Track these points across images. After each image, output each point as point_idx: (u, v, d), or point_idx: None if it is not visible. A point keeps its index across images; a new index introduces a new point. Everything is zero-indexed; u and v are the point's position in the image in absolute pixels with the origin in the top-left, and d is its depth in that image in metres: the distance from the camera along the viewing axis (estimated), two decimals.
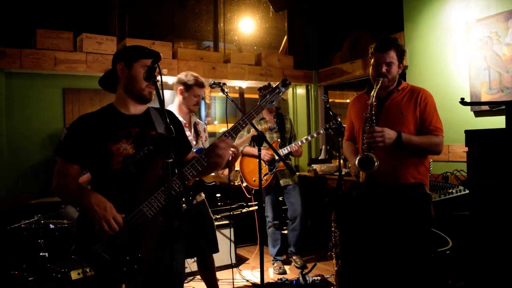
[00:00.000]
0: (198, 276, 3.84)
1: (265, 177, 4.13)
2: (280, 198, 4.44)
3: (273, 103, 1.94)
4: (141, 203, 1.75)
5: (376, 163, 2.29)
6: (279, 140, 4.23)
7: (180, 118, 2.79)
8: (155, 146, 1.84)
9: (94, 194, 1.72)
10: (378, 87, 2.39)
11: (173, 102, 3.08)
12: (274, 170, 4.15)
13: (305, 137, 4.22)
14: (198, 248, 2.99)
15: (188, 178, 1.81)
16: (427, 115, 2.41)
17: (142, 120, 1.90)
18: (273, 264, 4.30)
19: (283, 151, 4.08)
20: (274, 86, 1.96)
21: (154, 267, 1.81)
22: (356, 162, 2.35)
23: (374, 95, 2.36)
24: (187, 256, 3.20)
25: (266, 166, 4.14)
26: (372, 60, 2.49)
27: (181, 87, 2.95)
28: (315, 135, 4.23)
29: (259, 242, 2.81)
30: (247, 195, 4.32)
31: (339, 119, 3.72)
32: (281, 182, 4.24)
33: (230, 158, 2.01)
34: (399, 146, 2.33)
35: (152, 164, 1.80)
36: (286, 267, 4.26)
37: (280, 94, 1.94)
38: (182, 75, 2.99)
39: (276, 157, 4.06)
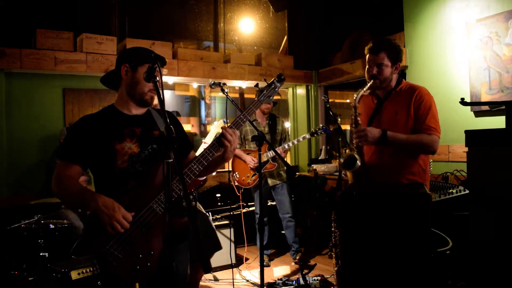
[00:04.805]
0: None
1: (253, 177, 4.20)
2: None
3: (271, 98, 1.99)
4: (151, 200, 1.77)
5: (357, 162, 2.32)
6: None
7: None
8: (158, 145, 1.86)
9: (101, 196, 1.72)
10: (366, 89, 2.42)
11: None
12: (261, 171, 4.16)
13: (290, 142, 4.27)
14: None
15: (195, 173, 1.81)
16: (421, 114, 2.39)
17: (145, 120, 1.94)
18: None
19: (269, 155, 4.16)
20: (269, 82, 2.01)
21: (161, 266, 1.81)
22: (342, 161, 2.40)
23: (358, 98, 2.41)
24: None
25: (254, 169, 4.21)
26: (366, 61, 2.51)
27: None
28: (301, 139, 4.31)
29: (259, 242, 2.81)
30: (237, 193, 4.38)
31: (339, 119, 3.73)
32: (269, 182, 4.32)
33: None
34: (385, 144, 2.33)
35: (159, 162, 1.81)
36: (286, 267, 4.27)
37: (276, 89, 2.01)
38: None
39: (263, 160, 4.11)
